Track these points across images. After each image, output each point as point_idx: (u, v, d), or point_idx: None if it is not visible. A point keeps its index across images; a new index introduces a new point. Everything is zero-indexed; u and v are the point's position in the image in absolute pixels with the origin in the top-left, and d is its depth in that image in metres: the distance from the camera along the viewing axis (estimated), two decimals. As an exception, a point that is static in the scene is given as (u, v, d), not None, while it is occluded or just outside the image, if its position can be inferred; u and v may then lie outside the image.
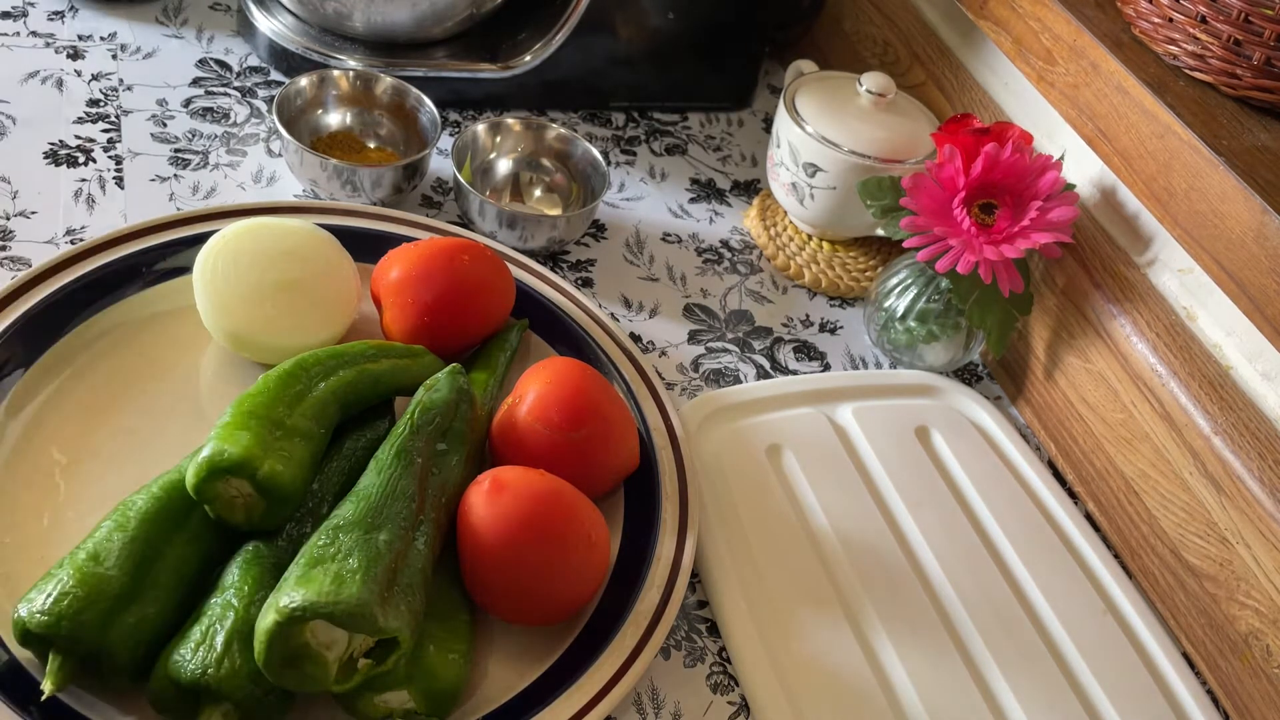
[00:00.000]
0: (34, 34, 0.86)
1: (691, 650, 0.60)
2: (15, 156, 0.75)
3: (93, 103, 0.81)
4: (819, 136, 0.80)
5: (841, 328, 0.82)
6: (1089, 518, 0.74)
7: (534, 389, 0.60)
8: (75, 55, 0.84)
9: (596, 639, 0.55)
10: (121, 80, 0.83)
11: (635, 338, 0.76)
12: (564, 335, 0.70)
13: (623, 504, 0.63)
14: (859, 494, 0.68)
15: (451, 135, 0.87)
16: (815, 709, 0.57)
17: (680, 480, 0.63)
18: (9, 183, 0.73)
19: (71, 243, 0.70)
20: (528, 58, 0.90)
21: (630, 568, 0.59)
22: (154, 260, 0.67)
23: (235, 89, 0.86)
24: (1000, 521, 0.69)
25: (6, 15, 0.86)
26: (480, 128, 0.82)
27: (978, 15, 0.79)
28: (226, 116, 0.83)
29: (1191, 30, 0.65)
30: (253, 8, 0.89)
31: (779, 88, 1.00)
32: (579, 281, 0.79)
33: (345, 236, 0.68)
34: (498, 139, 0.84)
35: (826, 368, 0.79)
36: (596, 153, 0.82)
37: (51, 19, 0.87)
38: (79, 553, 0.49)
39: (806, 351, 0.80)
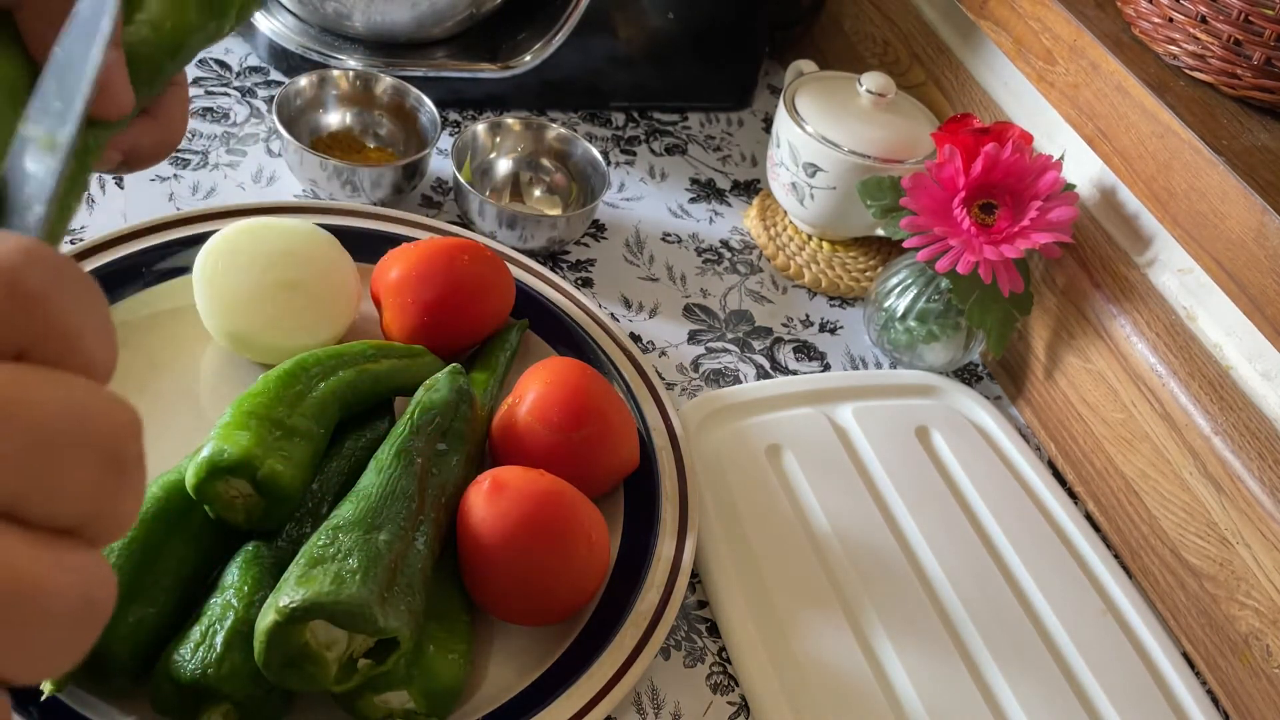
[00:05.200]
0: (34, 34, 0.85)
1: (691, 650, 0.60)
2: (15, 156, 0.75)
3: (93, 103, 0.81)
4: (819, 136, 0.80)
5: (841, 328, 0.82)
6: (1089, 518, 0.74)
7: (534, 389, 0.60)
8: (75, 55, 0.84)
9: (596, 639, 0.55)
10: (121, 80, 0.83)
11: (635, 338, 0.76)
12: (564, 335, 0.70)
13: (623, 504, 0.63)
14: (859, 494, 0.68)
15: (451, 135, 0.87)
16: (815, 709, 0.57)
17: (680, 480, 0.63)
18: (9, 183, 0.73)
19: (71, 243, 0.70)
20: (528, 58, 0.90)
21: (630, 568, 0.59)
22: (154, 260, 0.67)
23: (235, 89, 0.86)
24: (1000, 521, 0.69)
25: (6, 15, 0.86)
26: (480, 128, 0.82)
27: (978, 15, 0.79)
28: (226, 116, 0.83)
29: (1191, 30, 0.65)
30: (253, 8, 0.89)
31: (779, 88, 1.00)
32: (579, 281, 0.79)
33: (345, 236, 0.68)
34: (498, 139, 0.84)
35: (826, 368, 0.79)
36: (596, 153, 0.82)
37: (51, 19, 0.87)
38: (79, 553, 0.49)
39: (806, 351, 0.80)
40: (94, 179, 0.75)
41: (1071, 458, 0.76)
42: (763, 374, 0.77)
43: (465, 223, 0.79)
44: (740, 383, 0.75)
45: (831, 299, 0.85)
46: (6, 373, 0.20)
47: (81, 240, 0.69)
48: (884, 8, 0.98)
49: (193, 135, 0.81)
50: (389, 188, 0.77)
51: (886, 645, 0.61)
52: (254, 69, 0.89)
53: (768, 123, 1.00)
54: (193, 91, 0.85)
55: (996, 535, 0.69)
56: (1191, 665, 0.66)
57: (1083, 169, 0.77)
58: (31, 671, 0.19)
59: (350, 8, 0.84)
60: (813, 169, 0.81)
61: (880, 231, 0.80)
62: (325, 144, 0.81)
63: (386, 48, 0.88)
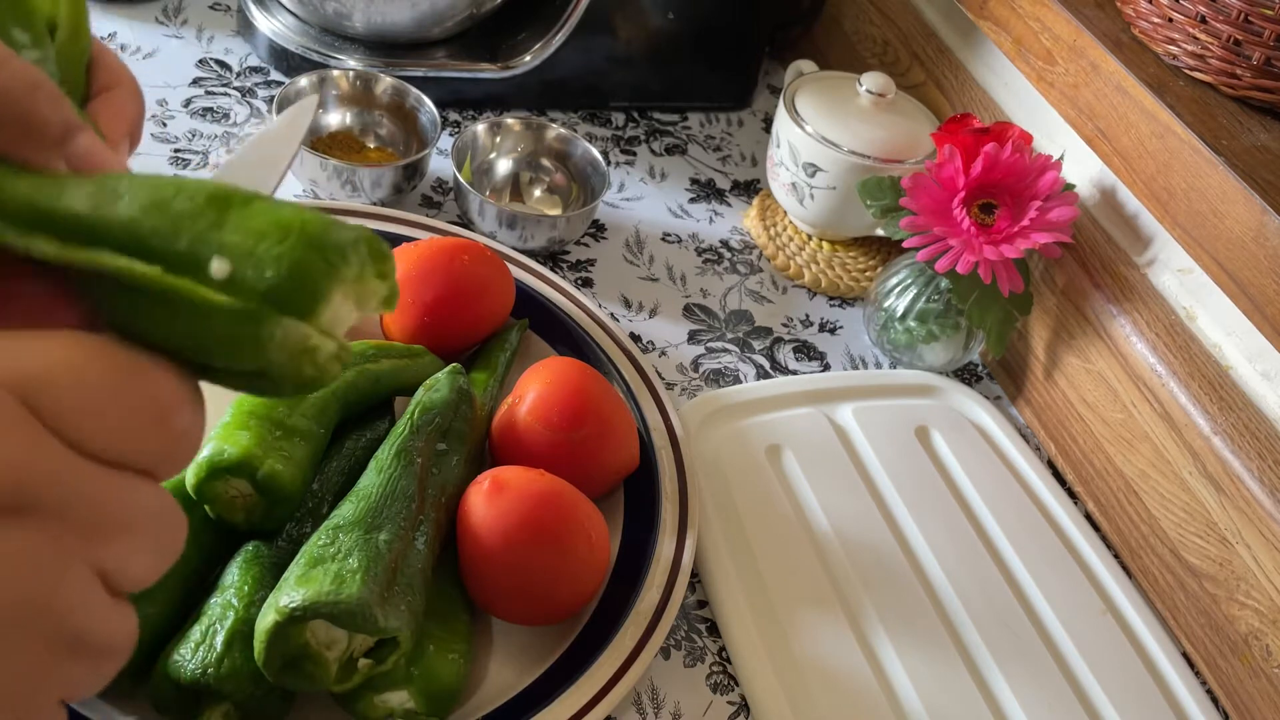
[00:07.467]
0: (34, 34, 0.85)
1: (691, 650, 0.60)
2: (15, 156, 0.75)
3: (93, 103, 0.81)
4: (819, 136, 0.80)
5: (841, 328, 0.82)
6: (1089, 518, 0.74)
7: (534, 389, 0.60)
8: (75, 55, 0.84)
9: (596, 639, 0.55)
10: (121, 80, 0.83)
11: (635, 338, 0.76)
12: (564, 335, 0.70)
13: (623, 504, 0.63)
14: (859, 494, 0.68)
15: (451, 135, 0.87)
16: (815, 709, 0.57)
17: (680, 480, 0.63)
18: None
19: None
20: (528, 58, 0.90)
21: (630, 568, 0.59)
22: (154, 260, 0.67)
23: (235, 89, 0.86)
24: (1000, 521, 0.69)
25: (6, 15, 0.86)
26: (480, 128, 0.82)
27: (978, 15, 0.79)
28: (226, 116, 0.83)
29: (1191, 30, 0.65)
30: (253, 8, 0.89)
31: (779, 88, 1.00)
32: (579, 281, 0.79)
33: (345, 236, 0.68)
34: (498, 139, 0.84)
35: (826, 368, 0.79)
36: (596, 153, 0.82)
37: (51, 19, 0.87)
38: (79, 553, 0.49)
39: (806, 351, 0.80)
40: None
41: (1071, 458, 0.76)
42: (763, 374, 0.77)
43: (465, 223, 0.79)
44: (740, 383, 0.75)
45: (831, 299, 0.85)
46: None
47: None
48: (884, 8, 0.98)
49: (193, 135, 0.81)
50: (389, 188, 0.77)
51: (886, 645, 0.61)
52: (254, 69, 0.89)
53: (768, 123, 1.00)
54: (193, 91, 0.85)
55: (996, 535, 0.69)
56: (1191, 665, 0.66)
57: (1083, 169, 0.77)
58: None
59: (350, 8, 0.84)
60: (812, 169, 0.81)
61: (880, 231, 0.80)
62: (325, 144, 0.81)
63: (386, 48, 0.88)
